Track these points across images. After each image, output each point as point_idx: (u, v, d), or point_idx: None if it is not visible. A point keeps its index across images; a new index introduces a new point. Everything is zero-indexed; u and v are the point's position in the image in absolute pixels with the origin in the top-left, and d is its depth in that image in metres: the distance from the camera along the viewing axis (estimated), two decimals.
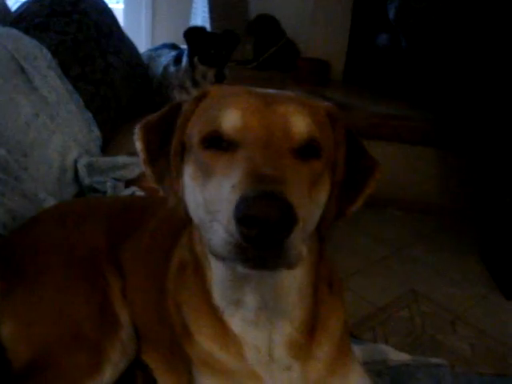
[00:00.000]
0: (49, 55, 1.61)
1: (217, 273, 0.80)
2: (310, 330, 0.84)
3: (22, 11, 1.84)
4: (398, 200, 2.55)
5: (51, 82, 1.53)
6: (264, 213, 0.56)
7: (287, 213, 0.58)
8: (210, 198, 0.67)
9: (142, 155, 0.77)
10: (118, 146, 1.71)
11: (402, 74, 2.63)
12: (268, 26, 3.13)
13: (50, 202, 1.28)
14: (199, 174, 0.70)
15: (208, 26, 3.02)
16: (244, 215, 0.57)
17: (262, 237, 0.57)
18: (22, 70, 1.47)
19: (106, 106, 1.71)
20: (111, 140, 1.74)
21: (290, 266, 0.63)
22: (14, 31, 1.62)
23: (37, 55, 1.55)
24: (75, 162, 1.46)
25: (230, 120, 0.68)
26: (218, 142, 0.68)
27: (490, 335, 1.76)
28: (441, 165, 2.40)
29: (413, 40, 2.24)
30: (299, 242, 0.61)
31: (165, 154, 0.76)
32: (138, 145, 0.78)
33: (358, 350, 1.26)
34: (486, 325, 1.82)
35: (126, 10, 3.53)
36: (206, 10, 3.06)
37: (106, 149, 1.67)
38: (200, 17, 3.12)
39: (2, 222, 1.14)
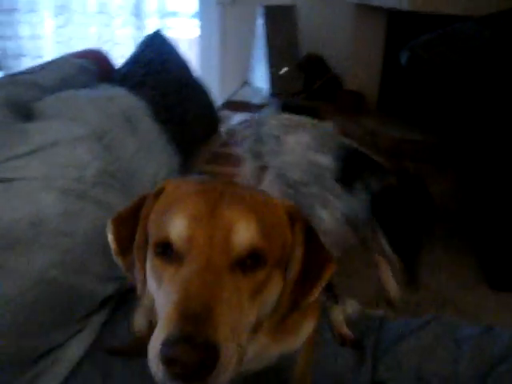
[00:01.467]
0: (145, 106, 2.32)
1: None
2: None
3: (125, 72, 2.58)
4: None
5: (147, 126, 2.24)
6: (184, 357, 0.60)
7: (207, 354, 0.61)
8: (158, 305, 0.74)
9: (112, 246, 0.85)
10: (191, 168, 2.40)
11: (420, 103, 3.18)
12: (316, 63, 3.75)
13: None
14: (153, 277, 0.77)
15: (265, 65, 3.68)
16: (166, 357, 0.62)
17: (184, 375, 0.62)
18: (128, 119, 2.18)
19: (182, 140, 2.40)
20: (185, 163, 2.43)
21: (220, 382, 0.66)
22: (122, 90, 2.34)
23: (137, 107, 2.27)
24: (162, 180, 2.15)
25: (177, 230, 0.72)
26: (166, 250, 0.74)
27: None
28: (441, 178, 2.95)
29: (422, 83, 2.82)
30: (225, 373, 0.64)
31: (131, 247, 0.83)
32: (109, 237, 0.85)
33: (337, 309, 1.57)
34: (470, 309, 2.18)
35: (201, 42, 4.27)
36: (264, 48, 3.70)
37: (182, 170, 2.35)
38: (259, 53, 3.77)
39: None
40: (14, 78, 2.10)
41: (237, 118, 3.14)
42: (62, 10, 4.02)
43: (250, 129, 1.90)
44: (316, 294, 0.81)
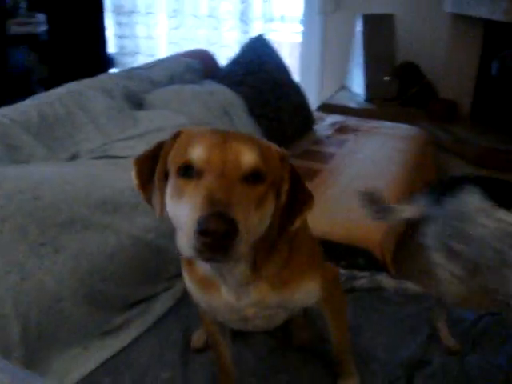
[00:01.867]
0: (242, 102, 2.54)
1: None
2: (259, 261, 1.06)
3: (228, 71, 2.82)
4: None
5: (243, 119, 2.46)
6: (214, 227, 0.78)
7: (230, 227, 0.79)
8: (180, 214, 0.88)
9: (135, 181, 1.01)
10: None
11: None
12: (411, 70, 3.83)
13: None
14: (174, 195, 0.92)
15: (362, 71, 3.82)
16: (201, 228, 0.78)
17: (213, 243, 0.78)
18: (227, 112, 2.41)
19: (276, 134, 2.60)
20: None
21: (234, 260, 0.94)
22: (222, 86, 2.59)
23: (235, 103, 2.49)
24: None
25: (197, 154, 0.89)
26: (188, 171, 0.89)
27: None
28: None
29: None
30: (240, 246, 0.81)
31: (150, 181, 0.99)
32: (132, 174, 1.02)
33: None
34: None
35: (302, 47, 4.48)
36: (361, 54, 3.84)
37: None
38: (357, 59, 3.91)
39: None
40: (131, 73, 2.40)
41: (329, 120, 3.32)
42: (175, 13, 4.36)
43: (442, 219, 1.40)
44: (298, 223, 0.99)
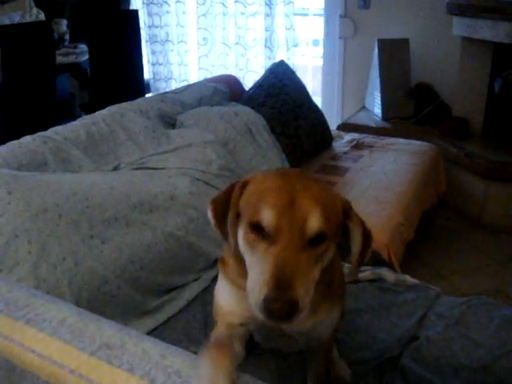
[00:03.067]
0: (263, 121, 2.81)
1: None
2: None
3: (251, 94, 3.11)
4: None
5: (265, 137, 2.72)
6: (278, 310, 0.88)
7: (293, 309, 0.89)
8: (251, 266, 0.98)
9: (212, 221, 1.07)
10: None
11: None
12: (425, 91, 4.08)
13: None
14: (247, 244, 0.99)
15: (379, 90, 4.08)
16: (266, 307, 0.88)
17: (277, 316, 0.88)
18: (250, 130, 2.69)
19: (294, 151, 2.87)
20: None
21: (298, 320, 0.92)
22: (246, 108, 2.86)
23: (257, 122, 2.76)
24: None
25: (267, 219, 0.95)
26: (258, 228, 0.96)
27: None
28: None
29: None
30: (302, 314, 0.90)
31: (225, 221, 1.04)
32: (209, 213, 1.08)
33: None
34: None
35: (324, 69, 4.76)
36: (379, 76, 4.10)
37: None
38: (375, 81, 4.17)
39: None
40: (164, 96, 2.70)
41: (347, 137, 3.57)
42: (205, 41, 4.68)
43: None
44: (366, 259, 1.09)
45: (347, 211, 1.08)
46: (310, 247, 0.97)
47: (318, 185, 1.07)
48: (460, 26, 3.60)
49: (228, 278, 1.20)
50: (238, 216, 1.05)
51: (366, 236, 1.08)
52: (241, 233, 1.02)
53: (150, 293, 1.74)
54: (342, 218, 1.07)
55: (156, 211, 1.83)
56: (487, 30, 3.35)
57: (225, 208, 1.06)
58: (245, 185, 1.06)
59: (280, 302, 0.88)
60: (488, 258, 3.13)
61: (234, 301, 1.18)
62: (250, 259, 0.99)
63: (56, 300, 1.01)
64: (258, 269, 0.95)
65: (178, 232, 1.85)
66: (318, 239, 0.98)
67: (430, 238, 3.26)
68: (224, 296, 1.22)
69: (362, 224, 1.08)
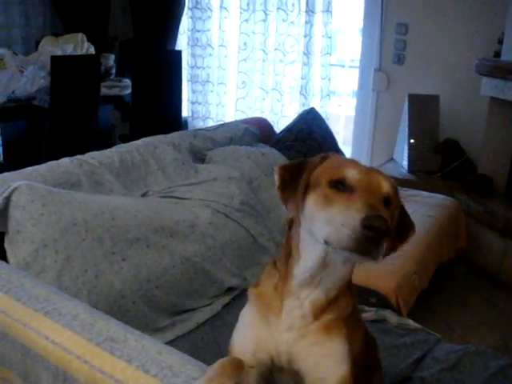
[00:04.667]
0: None
1: (305, 259, 1.12)
2: (331, 300, 1.14)
3: (280, 137, 3.26)
4: None
5: None
6: (379, 224, 0.91)
7: (388, 227, 0.92)
8: (331, 214, 0.99)
9: (277, 183, 1.12)
10: None
11: None
12: (452, 146, 4.17)
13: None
14: (321, 202, 1.03)
15: (408, 144, 4.19)
16: (369, 223, 0.91)
17: (374, 237, 0.91)
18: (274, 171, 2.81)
19: None
20: None
21: (378, 259, 0.96)
22: (273, 150, 3.00)
23: (282, 162, 2.90)
24: None
25: (351, 173, 1.03)
26: (339, 185, 1.02)
27: None
28: None
29: None
30: (384, 247, 0.94)
31: (290, 186, 1.10)
32: (276, 177, 1.12)
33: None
34: None
35: (356, 120, 4.90)
36: (408, 130, 4.22)
37: None
38: (404, 134, 4.28)
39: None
40: (197, 133, 2.86)
41: None
42: (243, 84, 4.88)
43: None
44: (404, 244, 1.12)
45: (396, 192, 1.13)
46: (384, 207, 1.03)
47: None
48: (488, 86, 3.71)
49: (256, 306, 1.19)
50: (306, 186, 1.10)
51: (405, 219, 1.14)
52: (311, 199, 1.06)
53: (163, 312, 1.86)
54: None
55: (176, 237, 1.96)
56: None
57: (292, 175, 1.12)
58: (324, 159, 1.14)
59: (380, 218, 0.92)
60: (500, 314, 3.15)
61: (252, 336, 1.17)
62: (327, 210, 1.02)
63: (73, 298, 1.14)
64: (345, 209, 0.98)
65: (195, 258, 1.98)
66: (387, 202, 1.04)
67: (445, 291, 3.31)
68: (244, 329, 1.20)
69: (403, 208, 1.14)
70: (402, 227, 1.13)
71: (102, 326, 1.04)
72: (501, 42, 3.72)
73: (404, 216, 1.15)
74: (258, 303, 1.19)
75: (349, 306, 1.18)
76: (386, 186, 1.06)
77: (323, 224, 1.01)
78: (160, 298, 1.84)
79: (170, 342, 1.81)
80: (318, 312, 1.13)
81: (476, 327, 2.98)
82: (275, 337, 1.14)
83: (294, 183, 1.11)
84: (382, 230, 0.92)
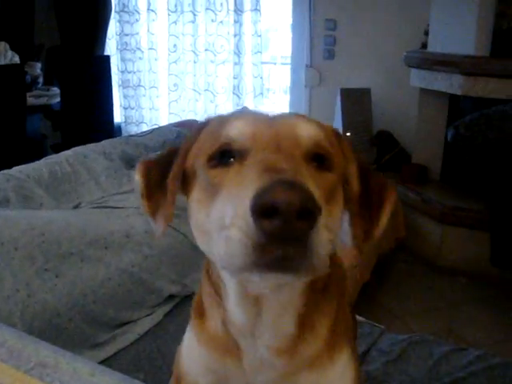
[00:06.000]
0: None
1: (230, 300, 0.78)
2: (297, 332, 0.80)
3: None
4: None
5: None
6: (284, 198, 0.51)
7: (309, 199, 0.53)
8: (220, 209, 0.64)
9: (141, 189, 0.79)
10: None
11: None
12: (386, 138, 4.25)
13: None
14: (205, 195, 0.70)
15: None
16: (262, 205, 0.52)
17: (283, 228, 0.52)
18: None
19: None
20: None
21: (314, 269, 0.57)
22: None
23: None
24: None
25: (238, 130, 0.66)
26: (225, 158, 0.67)
27: None
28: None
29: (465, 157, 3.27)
30: (325, 240, 0.56)
31: (161, 188, 0.77)
32: (138, 180, 0.80)
33: None
34: None
35: None
36: (342, 124, 4.25)
37: None
38: (338, 128, 4.32)
39: None
40: (128, 139, 2.81)
41: None
42: (176, 87, 4.84)
43: None
44: (385, 221, 0.76)
45: (340, 140, 0.82)
46: (313, 169, 0.69)
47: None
48: (417, 78, 3.79)
49: (207, 348, 0.89)
50: (183, 179, 0.80)
51: (375, 180, 0.79)
52: (192, 196, 0.76)
53: (102, 326, 1.80)
54: (341, 151, 0.79)
55: (111, 248, 1.91)
56: (442, 82, 3.54)
57: (161, 172, 0.80)
58: (203, 126, 0.82)
59: (284, 185, 0.54)
60: (442, 299, 3.23)
61: (198, 359, 0.91)
62: (213, 208, 0.68)
63: None
64: (232, 195, 0.63)
65: (132, 268, 1.92)
66: (319, 161, 0.70)
67: (387, 280, 3.36)
68: (189, 353, 0.96)
69: (362, 164, 0.79)
70: (372, 195, 0.76)
71: (31, 351, 0.99)
72: (427, 33, 3.80)
73: (371, 177, 0.79)
74: (208, 344, 0.88)
75: (336, 313, 0.86)
76: (308, 132, 0.71)
77: (213, 235, 0.66)
78: (98, 313, 1.79)
79: (112, 356, 1.77)
80: (290, 346, 0.81)
81: (420, 314, 3.04)
82: (241, 377, 0.85)
83: (163, 184, 0.79)
84: (293, 206, 0.53)
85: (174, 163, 0.79)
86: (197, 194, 0.75)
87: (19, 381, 0.92)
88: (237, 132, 0.69)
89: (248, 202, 0.55)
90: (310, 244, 0.55)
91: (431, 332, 2.77)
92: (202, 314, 0.90)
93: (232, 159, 0.68)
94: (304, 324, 0.81)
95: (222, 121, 0.75)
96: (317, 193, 0.59)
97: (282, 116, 0.75)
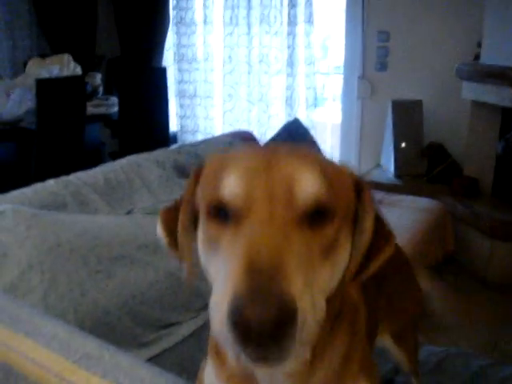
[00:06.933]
0: None
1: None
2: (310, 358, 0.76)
3: None
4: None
5: None
6: (256, 315, 0.52)
7: (285, 308, 0.54)
8: (213, 273, 0.67)
9: (163, 239, 0.81)
10: None
11: None
12: (437, 150, 4.23)
13: None
14: (207, 243, 0.70)
15: (394, 149, 4.26)
16: (236, 323, 0.54)
17: (259, 335, 0.53)
18: None
19: None
20: None
21: (303, 351, 0.63)
22: None
23: None
24: None
25: (230, 189, 0.65)
26: (221, 213, 0.66)
27: None
28: None
29: None
30: (303, 334, 0.56)
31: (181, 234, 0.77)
32: (159, 230, 0.81)
33: None
34: None
35: (342, 127, 4.93)
36: (393, 135, 4.28)
37: None
38: (389, 140, 4.35)
39: None
40: (181, 149, 2.92)
41: None
42: (230, 97, 4.96)
43: None
44: (375, 268, 0.76)
45: (360, 189, 0.77)
46: (310, 229, 0.66)
47: (314, 153, 0.77)
48: (468, 90, 3.78)
49: (216, 367, 0.91)
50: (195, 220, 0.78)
51: (380, 230, 0.77)
52: (200, 236, 0.75)
53: (149, 326, 1.90)
54: (354, 197, 0.76)
55: (160, 252, 2.01)
56: (493, 95, 3.52)
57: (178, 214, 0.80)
58: (201, 169, 0.80)
59: (258, 299, 0.54)
60: (489, 314, 3.20)
61: None
62: (212, 265, 0.70)
63: (53, 318, 1.20)
64: (224, 268, 0.63)
65: (179, 272, 2.02)
66: (319, 216, 0.67)
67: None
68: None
69: (376, 212, 0.77)
70: (374, 242, 0.76)
71: (79, 344, 1.09)
72: (480, 45, 3.79)
73: (380, 227, 0.78)
74: (227, 380, 0.87)
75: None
76: (306, 190, 0.66)
77: (213, 290, 0.66)
78: (145, 313, 1.89)
79: (157, 356, 1.86)
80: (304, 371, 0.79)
81: (464, 327, 3.03)
82: None
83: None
84: (266, 323, 0.53)
85: (180, 210, 0.79)
86: (201, 235, 0.74)
87: (67, 370, 1.02)
88: (228, 193, 0.67)
89: (225, 307, 0.57)
90: (293, 339, 0.56)
91: (476, 346, 2.78)
92: (217, 353, 0.89)
93: (228, 216, 0.68)
94: (315, 352, 0.78)
95: (218, 167, 0.73)
96: (300, 283, 0.58)
97: (282, 161, 0.69)
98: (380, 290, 1.10)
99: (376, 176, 4.37)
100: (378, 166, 4.61)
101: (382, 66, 4.52)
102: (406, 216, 3.26)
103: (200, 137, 5.17)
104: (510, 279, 3.45)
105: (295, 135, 3.37)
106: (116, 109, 4.54)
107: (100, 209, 2.19)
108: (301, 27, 4.61)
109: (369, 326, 0.94)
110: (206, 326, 2.03)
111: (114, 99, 4.62)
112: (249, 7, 4.76)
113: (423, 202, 3.51)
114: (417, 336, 1.46)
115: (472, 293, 3.46)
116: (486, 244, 3.55)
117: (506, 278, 3.48)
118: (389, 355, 1.95)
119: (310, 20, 4.56)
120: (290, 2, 4.57)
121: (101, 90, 4.81)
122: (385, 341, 1.31)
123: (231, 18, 4.87)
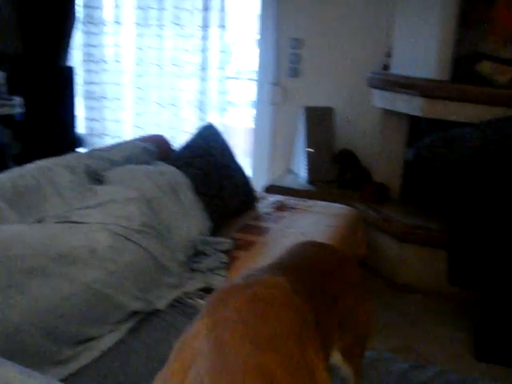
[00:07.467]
0: (188, 181, 2.92)
1: None
2: None
3: (178, 154, 3.24)
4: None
5: (188, 196, 2.83)
6: None
7: None
8: None
9: None
10: (219, 234, 2.96)
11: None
12: (348, 157, 4.33)
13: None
14: None
15: (305, 155, 4.30)
16: None
17: None
18: (174, 190, 2.80)
19: (217, 210, 2.99)
20: (217, 230, 2.99)
21: None
22: (172, 167, 2.97)
23: (182, 182, 2.88)
24: (195, 237, 2.71)
25: None
26: None
27: None
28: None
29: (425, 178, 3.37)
30: None
31: None
32: None
33: None
34: None
35: (255, 132, 4.93)
36: (304, 141, 4.33)
37: (213, 234, 2.92)
38: (301, 146, 4.40)
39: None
40: (92, 153, 2.80)
41: (271, 199, 3.73)
42: (140, 100, 4.83)
43: None
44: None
45: None
46: None
47: None
48: (379, 98, 3.89)
49: None
50: None
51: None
52: None
53: (65, 343, 1.79)
54: None
55: (75, 264, 1.90)
56: (403, 103, 3.64)
57: None
58: None
59: None
60: (399, 316, 3.30)
61: None
62: None
63: None
64: None
65: (96, 284, 1.92)
66: None
67: None
68: None
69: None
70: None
71: None
72: (389, 55, 3.90)
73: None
74: None
75: None
76: None
77: None
78: (61, 329, 1.78)
79: (75, 374, 1.76)
80: None
81: (379, 330, 3.09)
82: None
83: None
84: None
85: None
86: None
87: None
88: None
89: None
90: None
91: (388, 348, 2.84)
92: None
93: None
94: None
95: None
96: None
97: None
98: (335, 306, 1.13)
99: (288, 182, 4.40)
100: (289, 171, 4.65)
101: (295, 73, 4.56)
102: (319, 221, 3.29)
103: (108, 140, 5.01)
104: (419, 281, 3.57)
105: (209, 140, 3.32)
106: (19, 109, 4.30)
107: (8, 217, 2.05)
108: (214, 31, 4.57)
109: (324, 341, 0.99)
110: (125, 341, 1.95)
111: (18, 99, 4.38)
112: (161, 9, 4.67)
113: (336, 208, 3.56)
114: (363, 354, 1.47)
115: (383, 295, 3.55)
116: (396, 248, 3.66)
117: (414, 281, 3.60)
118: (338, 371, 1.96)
119: (222, 24, 4.54)
120: (203, 5, 4.52)
121: (3, 89, 4.53)
122: (335, 357, 1.30)
123: (143, 19, 4.75)
